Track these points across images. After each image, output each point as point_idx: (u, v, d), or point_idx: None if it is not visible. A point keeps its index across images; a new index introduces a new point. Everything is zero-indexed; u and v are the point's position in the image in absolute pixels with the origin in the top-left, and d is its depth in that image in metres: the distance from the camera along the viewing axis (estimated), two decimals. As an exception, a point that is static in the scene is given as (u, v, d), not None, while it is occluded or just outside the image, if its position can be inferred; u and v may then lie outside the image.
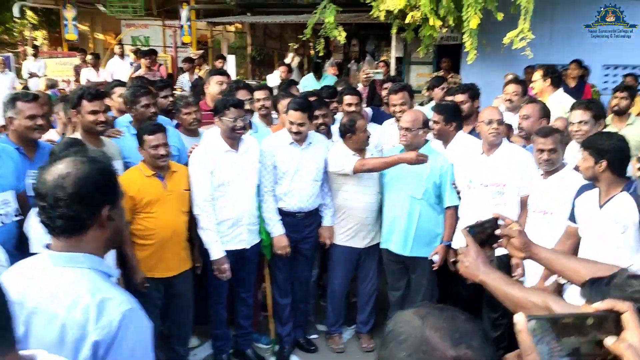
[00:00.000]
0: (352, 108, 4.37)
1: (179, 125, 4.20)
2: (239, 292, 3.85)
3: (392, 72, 8.95)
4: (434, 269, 3.78)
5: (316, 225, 3.97)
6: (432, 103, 5.24)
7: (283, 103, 4.19)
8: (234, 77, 10.36)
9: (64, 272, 1.37)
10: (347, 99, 4.44)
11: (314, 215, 3.94)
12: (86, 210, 1.39)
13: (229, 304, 3.88)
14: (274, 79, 9.11)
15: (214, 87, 4.53)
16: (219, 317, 3.81)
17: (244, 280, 3.83)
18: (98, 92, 3.47)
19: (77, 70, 10.66)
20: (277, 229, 3.79)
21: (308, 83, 8.89)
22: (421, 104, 7.60)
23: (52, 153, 2.94)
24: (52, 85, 9.18)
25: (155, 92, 4.21)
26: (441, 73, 7.95)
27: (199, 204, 3.51)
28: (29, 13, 17.59)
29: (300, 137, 3.75)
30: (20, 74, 11.47)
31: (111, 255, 3.15)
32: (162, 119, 4.25)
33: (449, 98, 4.51)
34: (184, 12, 11.44)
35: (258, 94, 4.46)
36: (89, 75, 9.88)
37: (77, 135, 3.44)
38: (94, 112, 3.35)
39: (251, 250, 3.75)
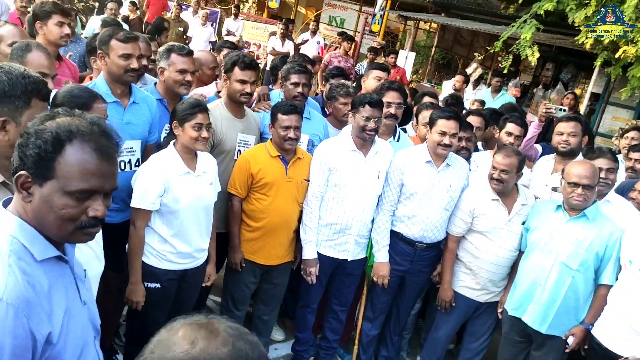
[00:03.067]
0: (511, 140, 3.80)
1: (329, 114, 3.99)
2: (332, 303, 3.59)
3: (583, 109, 7.86)
4: (566, 351, 3.11)
5: (435, 259, 3.53)
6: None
7: (424, 114, 3.77)
8: (408, 75, 10.06)
9: None
10: (510, 127, 3.84)
11: (435, 249, 3.48)
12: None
13: (321, 311, 3.65)
14: (448, 87, 8.61)
15: (370, 82, 4.25)
16: (305, 321, 3.59)
17: (340, 293, 3.55)
18: (252, 63, 3.40)
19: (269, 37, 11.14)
20: (381, 255, 3.40)
21: (482, 98, 8.24)
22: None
23: (174, 111, 2.84)
24: (240, 46, 9.74)
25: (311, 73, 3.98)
26: (642, 123, 6.75)
27: (307, 198, 3.31)
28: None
29: (447, 152, 3.31)
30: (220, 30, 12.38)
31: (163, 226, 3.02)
32: (313, 104, 4.11)
33: (635, 155, 3.73)
34: (379, 1, 11.31)
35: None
36: (275, 44, 10.22)
37: (221, 101, 3.42)
38: (242, 82, 3.29)
39: (353, 264, 3.44)
